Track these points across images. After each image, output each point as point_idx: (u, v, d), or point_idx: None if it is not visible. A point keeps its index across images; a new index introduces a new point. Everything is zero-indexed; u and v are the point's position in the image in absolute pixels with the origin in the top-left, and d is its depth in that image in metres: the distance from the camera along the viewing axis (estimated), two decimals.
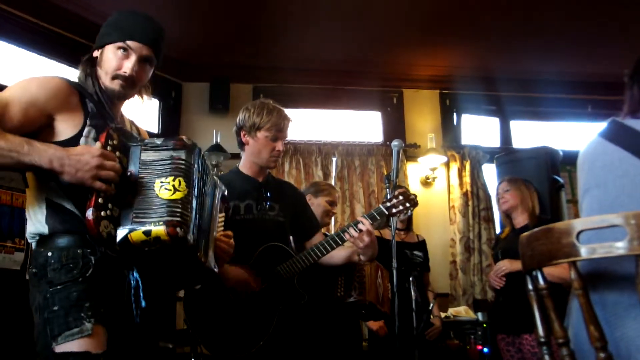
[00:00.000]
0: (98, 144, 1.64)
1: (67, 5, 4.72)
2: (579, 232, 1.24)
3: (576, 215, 5.58)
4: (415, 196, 2.64)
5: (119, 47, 1.86)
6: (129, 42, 1.85)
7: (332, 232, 4.64)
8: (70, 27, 4.80)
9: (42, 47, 4.74)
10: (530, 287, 1.39)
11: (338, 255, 2.69)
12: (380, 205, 2.59)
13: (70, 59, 4.67)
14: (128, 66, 1.85)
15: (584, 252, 1.23)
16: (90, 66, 1.91)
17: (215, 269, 1.94)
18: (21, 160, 1.56)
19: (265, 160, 2.71)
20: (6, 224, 4.08)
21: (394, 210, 2.57)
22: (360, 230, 2.45)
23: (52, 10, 4.68)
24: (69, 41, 4.79)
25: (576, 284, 1.26)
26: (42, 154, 1.57)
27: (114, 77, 1.86)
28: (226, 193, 2.13)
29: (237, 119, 2.75)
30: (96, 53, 1.92)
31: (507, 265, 3.56)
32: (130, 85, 1.89)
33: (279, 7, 4.88)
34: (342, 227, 2.58)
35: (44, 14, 4.66)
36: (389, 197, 2.62)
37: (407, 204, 2.58)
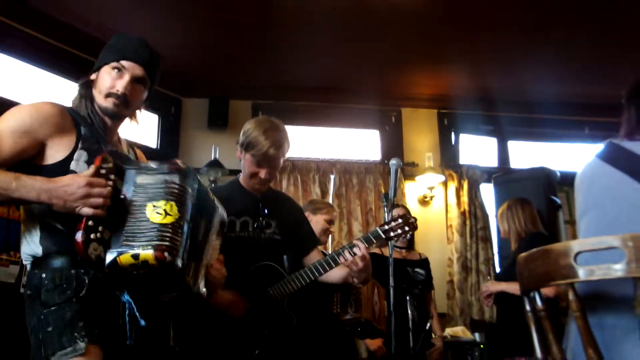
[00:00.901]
0: (91, 169, 1.65)
1: (70, 20, 4.75)
2: (577, 254, 1.23)
3: (574, 236, 5.58)
4: (415, 220, 2.57)
5: (114, 67, 1.89)
6: (122, 62, 1.88)
7: (330, 250, 4.64)
8: (73, 43, 4.83)
9: (46, 61, 4.76)
10: (528, 308, 1.38)
11: (334, 275, 2.64)
12: (378, 228, 2.53)
13: (73, 74, 4.69)
14: (121, 85, 1.88)
15: (582, 273, 1.22)
16: (86, 88, 1.93)
17: (203, 294, 1.93)
18: (10, 196, 1.60)
19: (248, 181, 2.67)
20: (2, 236, 4.06)
21: (391, 234, 2.51)
22: (355, 254, 2.43)
23: (55, 25, 4.71)
24: (72, 56, 4.82)
25: (574, 306, 1.25)
26: (29, 189, 1.60)
27: (107, 95, 1.88)
28: (226, 218, 2.10)
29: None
30: (93, 76, 1.94)
31: (488, 286, 3.76)
32: (124, 104, 1.90)
33: (279, 24, 4.90)
34: (337, 249, 2.53)
35: (48, 29, 4.69)
36: (387, 220, 2.58)
37: (406, 228, 2.51)
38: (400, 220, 2.52)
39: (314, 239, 2.87)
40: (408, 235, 2.60)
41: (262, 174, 2.58)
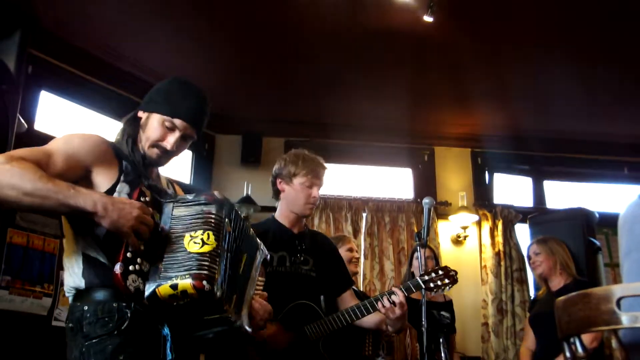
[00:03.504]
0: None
1: (113, 60, 4.90)
2: (619, 299, 1.18)
3: (614, 280, 5.41)
4: (456, 273, 2.62)
5: (165, 121, 1.91)
6: (176, 121, 1.91)
7: (360, 284, 4.56)
8: (116, 82, 4.97)
9: (90, 100, 4.89)
10: (567, 354, 1.32)
11: (368, 320, 2.66)
12: (418, 278, 2.57)
13: (117, 113, 4.79)
14: (170, 141, 1.91)
15: (626, 320, 1.17)
16: (133, 126, 1.96)
17: (248, 330, 1.90)
18: (66, 202, 1.58)
19: (301, 207, 2.68)
20: (37, 269, 4.11)
21: (431, 285, 2.56)
22: (394, 303, 2.41)
23: (99, 64, 4.85)
24: (116, 95, 4.96)
25: (618, 354, 1.19)
26: (86, 197, 1.60)
27: (153, 146, 1.91)
28: (268, 258, 2.12)
29: (273, 169, 2.77)
30: (141, 114, 1.97)
31: None
32: (167, 157, 1.95)
33: (312, 63, 4.96)
34: (375, 295, 2.56)
35: (92, 68, 4.82)
36: (428, 270, 2.59)
37: (447, 280, 2.57)
38: (440, 272, 2.57)
39: (349, 280, 2.87)
40: (448, 287, 2.62)
41: (315, 192, 2.66)
